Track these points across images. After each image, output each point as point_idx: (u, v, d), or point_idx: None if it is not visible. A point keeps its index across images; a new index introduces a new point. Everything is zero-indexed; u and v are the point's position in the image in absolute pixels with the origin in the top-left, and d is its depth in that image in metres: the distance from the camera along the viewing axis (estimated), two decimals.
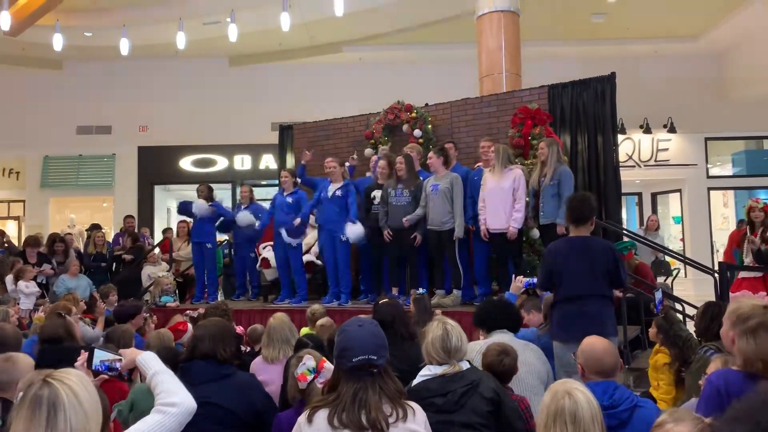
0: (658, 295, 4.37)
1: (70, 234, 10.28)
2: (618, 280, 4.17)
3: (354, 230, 6.93)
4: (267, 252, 8.01)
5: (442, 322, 2.83)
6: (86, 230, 11.12)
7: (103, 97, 14.38)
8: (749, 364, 2.21)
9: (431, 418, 2.38)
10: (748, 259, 6.43)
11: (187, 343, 3.29)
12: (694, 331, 3.93)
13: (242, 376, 3.20)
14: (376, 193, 7.18)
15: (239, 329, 5.89)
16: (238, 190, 8.55)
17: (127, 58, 12.21)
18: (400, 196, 6.88)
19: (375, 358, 2.16)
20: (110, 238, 11.61)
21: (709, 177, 13.69)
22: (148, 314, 5.82)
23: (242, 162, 14.34)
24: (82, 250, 10.08)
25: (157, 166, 14.38)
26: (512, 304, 3.92)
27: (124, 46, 10.78)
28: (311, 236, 8.05)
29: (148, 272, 9.13)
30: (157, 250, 9.87)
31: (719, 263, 6.07)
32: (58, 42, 10.41)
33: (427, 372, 2.75)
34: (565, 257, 4.16)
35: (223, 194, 10.14)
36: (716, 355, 2.94)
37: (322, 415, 2.14)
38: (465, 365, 2.78)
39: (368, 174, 7.89)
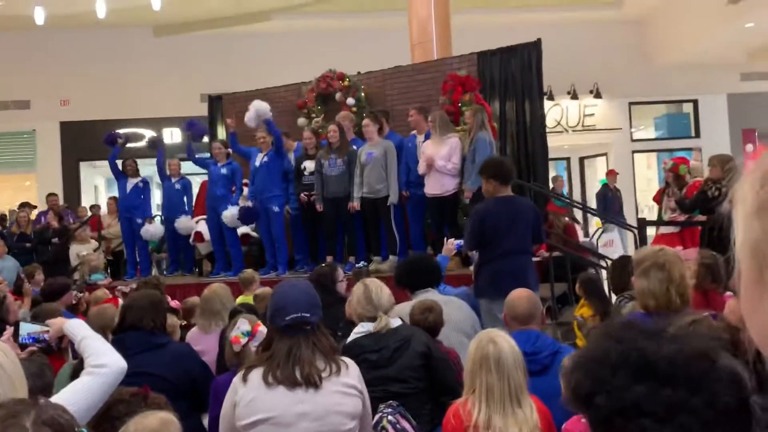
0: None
1: None
2: (539, 236, 4.40)
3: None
4: (200, 225, 7.89)
5: (361, 282, 2.96)
6: (16, 209, 10.67)
7: (20, 71, 13.61)
8: (644, 304, 2.37)
9: (366, 374, 2.46)
10: (666, 216, 6.79)
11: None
12: (611, 288, 4.16)
13: (177, 345, 3.21)
14: (307, 164, 7.16)
15: (174, 303, 5.83)
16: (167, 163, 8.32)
17: (44, 29, 11.62)
18: (334, 166, 6.89)
19: (308, 315, 2.20)
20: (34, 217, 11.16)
21: (633, 140, 14.26)
22: (81, 294, 5.69)
23: (171, 135, 13.93)
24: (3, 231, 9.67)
25: (81, 141, 13.77)
26: (428, 259, 4.03)
27: (39, 16, 10.25)
28: None
29: (76, 251, 8.87)
30: (86, 228, 9.58)
31: (638, 219, 6.39)
32: None
33: (360, 329, 2.83)
34: (498, 217, 4.31)
35: (152, 169, 9.85)
36: (628, 303, 3.13)
37: (256, 373, 2.18)
38: (397, 322, 2.87)
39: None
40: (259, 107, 7.10)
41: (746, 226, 0.70)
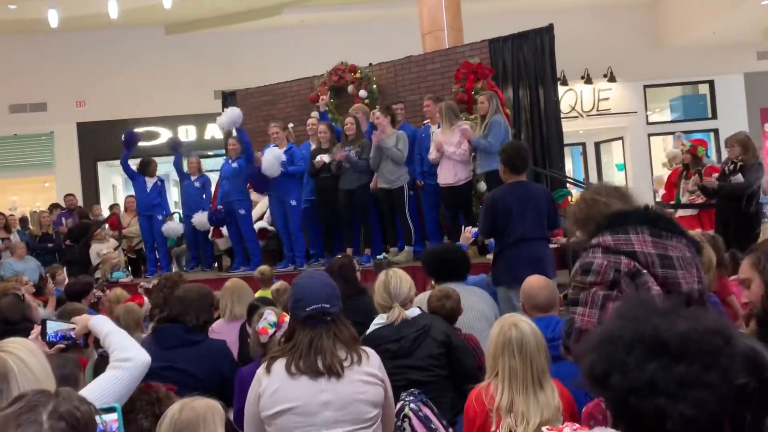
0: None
1: (12, 215, 10.01)
2: (555, 221, 4.39)
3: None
4: None
5: (384, 272, 2.98)
6: (37, 210, 10.89)
7: (36, 73, 13.77)
8: None
9: (387, 364, 2.48)
10: (684, 198, 6.73)
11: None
12: None
13: (213, 343, 3.23)
14: (322, 157, 7.18)
15: None
16: (185, 162, 8.40)
17: (58, 31, 11.72)
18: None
19: (328, 306, 2.23)
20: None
21: (648, 123, 14.11)
22: (103, 292, 5.77)
23: (186, 133, 14.04)
24: (27, 233, 9.84)
25: (98, 142, 13.93)
26: (458, 251, 4.02)
27: (53, 18, 10.34)
28: (263, 203, 8.02)
29: (96, 250, 8.98)
30: (105, 227, 9.71)
31: (656, 203, 6.34)
32: None
33: (379, 320, 2.85)
34: (509, 203, 4.30)
35: (169, 167, 9.93)
36: None
37: (279, 363, 2.21)
38: (416, 311, 2.89)
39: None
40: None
41: None
